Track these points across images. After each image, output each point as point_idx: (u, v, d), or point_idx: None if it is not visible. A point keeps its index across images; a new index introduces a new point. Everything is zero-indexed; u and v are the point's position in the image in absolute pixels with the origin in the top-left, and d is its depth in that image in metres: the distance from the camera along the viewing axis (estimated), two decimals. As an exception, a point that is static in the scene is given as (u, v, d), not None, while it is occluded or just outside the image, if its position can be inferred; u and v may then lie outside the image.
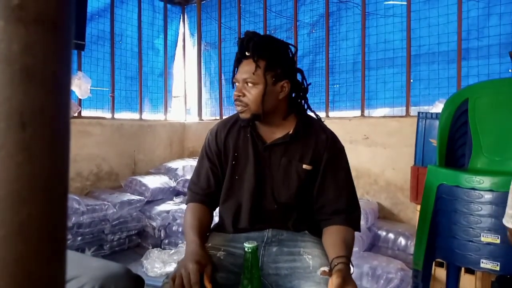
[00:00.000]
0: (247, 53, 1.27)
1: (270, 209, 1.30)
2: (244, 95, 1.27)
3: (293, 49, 1.34)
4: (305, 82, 1.38)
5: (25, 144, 0.30)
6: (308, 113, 1.41)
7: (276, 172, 1.31)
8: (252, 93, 1.26)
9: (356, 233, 1.31)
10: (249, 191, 1.31)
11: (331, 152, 1.31)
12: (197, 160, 1.46)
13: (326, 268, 1.12)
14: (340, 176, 1.31)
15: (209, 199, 1.37)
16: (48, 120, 0.31)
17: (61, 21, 0.32)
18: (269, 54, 1.26)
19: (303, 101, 1.38)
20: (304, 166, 1.29)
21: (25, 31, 0.29)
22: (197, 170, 1.42)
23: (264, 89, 1.25)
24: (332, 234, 1.23)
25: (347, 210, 1.28)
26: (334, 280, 0.99)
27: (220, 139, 1.38)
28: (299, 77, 1.37)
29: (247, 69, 1.26)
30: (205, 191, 1.37)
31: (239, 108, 1.29)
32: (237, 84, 1.30)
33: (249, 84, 1.26)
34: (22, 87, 0.30)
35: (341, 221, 1.25)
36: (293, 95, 1.37)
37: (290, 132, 1.32)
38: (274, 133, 1.34)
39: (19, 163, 0.30)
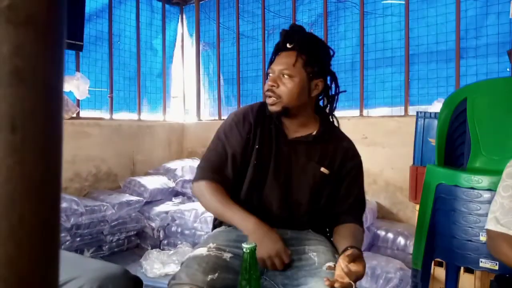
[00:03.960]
0: (288, 45, 1.26)
1: (283, 208, 1.30)
2: (278, 86, 1.25)
3: (331, 52, 1.34)
4: (334, 87, 1.37)
5: (16, 147, 0.30)
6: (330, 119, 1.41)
7: (294, 171, 1.30)
8: (288, 86, 1.24)
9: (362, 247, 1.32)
10: (271, 186, 1.30)
11: (352, 163, 1.34)
12: (207, 148, 1.36)
13: (331, 264, 1.12)
14: (357, 189, 1.36)
15: (225, 180, 1.29)
16: (39, 122, 0.31)
17: (52, 22, 0.31)
18: (311, 50, 1.26)
19: (328, 105, 1.39)
20: (322, 169, 1.29)
21: (15, 33, 0.29)
22: (219, 147, 1.32)
23: (301, 83, 1.25)
24: (342, 231, 1.27)
25: (355, 211, 1.33)
26: (344, 257, 1.03)
27: (248, 123, 1.32)
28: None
29: (286, 60, 1.25)
30: (222, 177, 1.28)
31: (270, 100, 1.27)
32: (271, 75, 1.28)
33: (285, 76, 1.25)
34: (13, 89, 0.29)
35: (350, 219, 1.30)
36: (320, 97, 1.38)
37: (314, 133, 1.31)
38: (297, 131, 1.33)
39: (10, 166, 0.30)
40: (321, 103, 1.43)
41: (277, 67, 1.26)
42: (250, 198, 1.31)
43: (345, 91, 1.39)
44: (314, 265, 1.16)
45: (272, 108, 1.27)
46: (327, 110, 1.40)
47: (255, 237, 1.13)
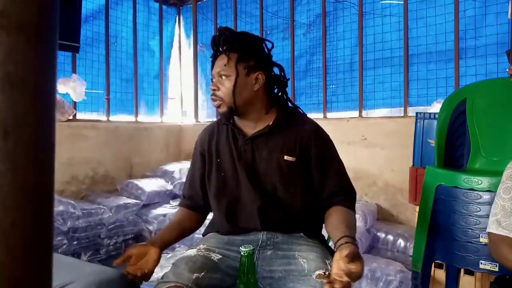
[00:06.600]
0: (220, 49, 1.31)
1: (259, 204, 1.28)
2: (218, 89, 1.29)
3: (269, 44, 1.36)
4: (283, 75, 1.39)
5: (7, 153, 0.30)
6: (290, 106, 1.42)
7: (259, 165, 1.30)
8: (226, 86, 1.28)
9: (355, 235, 1.29)
10: (235, 186, 1.31)
11: (318, 145, 1.31)
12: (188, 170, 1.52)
13: (321, 272, 1.10)
14: (334, 168, 1.32)
15: (195, 204, 1.42)
16: (31, 128, 0.31)
17: (45, 29, 0.31)
18: (241, 47, 1.29)
19: (283, 95, 1.40)
20: (286, 157, 1.28)
21: (7, 39, 0.29)
22: (188, 174, 1.48)
23: (235, 80, 1.27)
24: (332, 216, 1.23)
25: (342, 193, 1.29)
26: (342, 257, 0.96)
27: (203, 141, 1.42)
28: (277, 71, 1.39)
29: (220, 63, 1.29)
30: (190, 196, 1.43)
31: (215, 103, 1.32)
32: (213, 80, 1.33)
33: (223, 77, 1.29)
34: (4, 95, 0.29)
35: (338, 202, 1.26)
36: (276, 90, 1.39)
37: (270, 124, 1.31)
38: (255, 128, 1.33)
39: (1, 172, 0.29)
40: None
41: (214, 71, 1.31)
42: (223, 206, 1.33)
43: (289, 78, 1.42)
44: (304, 271, 1.15)
45: (220, 110, 1.32)
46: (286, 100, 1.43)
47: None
